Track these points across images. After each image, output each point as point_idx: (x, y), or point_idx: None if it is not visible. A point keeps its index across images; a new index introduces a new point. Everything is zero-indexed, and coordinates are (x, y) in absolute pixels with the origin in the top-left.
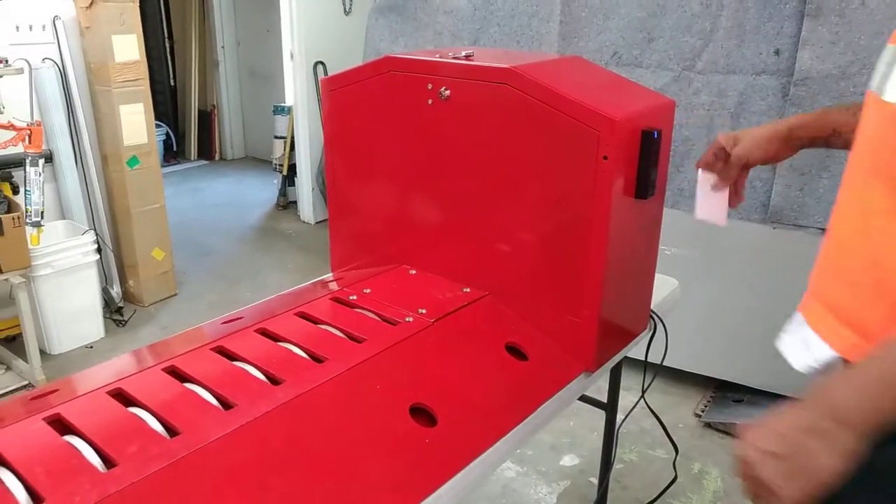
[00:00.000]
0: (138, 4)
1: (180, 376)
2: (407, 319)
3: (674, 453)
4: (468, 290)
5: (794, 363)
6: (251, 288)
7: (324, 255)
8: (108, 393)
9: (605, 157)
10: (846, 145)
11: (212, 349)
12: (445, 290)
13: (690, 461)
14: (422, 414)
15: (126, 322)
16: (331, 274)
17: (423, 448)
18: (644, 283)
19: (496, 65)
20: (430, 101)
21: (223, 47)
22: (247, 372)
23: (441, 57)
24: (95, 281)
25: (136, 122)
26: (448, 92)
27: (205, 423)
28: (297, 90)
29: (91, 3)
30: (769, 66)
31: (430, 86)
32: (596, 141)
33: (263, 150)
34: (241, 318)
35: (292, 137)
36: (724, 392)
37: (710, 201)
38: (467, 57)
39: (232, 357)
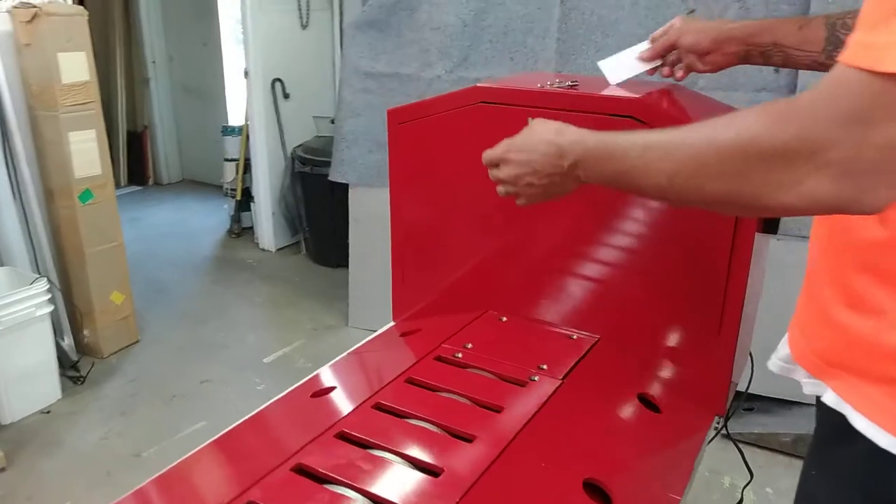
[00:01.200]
0: (87, 18)
1: (317, 477)
2: (533, 378)
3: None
4: (575, 335)
5: (769, 363)
6: (222, 327)
7: (293, 285)
8: None
9: None
10: (784, 62)
11: (335, 436)
12: (552, 338)
13: (720, 475)
14: (594, 490)
15: (84, 378)
16: (392, 323)
17: None
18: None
19: (619, 95)
20: None
21: (154, 63)
22: (394, 464)
23: (543, 86)
24: (49, 335)
25: (88, 151)
26: None
27: None
28: (253, 109)
29: (33, 17)
30: (769, 83)
31: (531, 119)
32: None
33: (204, 172)
34: (335, 388)
35: (246, 160)
36: (733, 402)
37: (623, 61)
38: (573, 86)
39: (364, 444)
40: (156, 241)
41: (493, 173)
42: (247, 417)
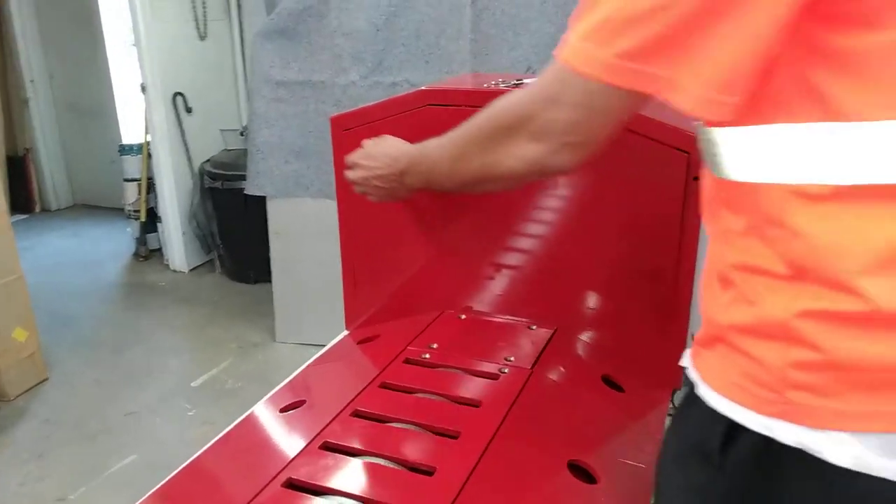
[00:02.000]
0: None
1: (311, 490)
2: (503, 371)
3: None
4: (534, 327)
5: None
6: (140, 355)
7: (211, 305)
8: None
9: (696, 178)
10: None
11: (321, 447)
12: (512, 331)
13: None
14: (578, 471)
15: None
16: (345, 332)
17: None
18: None
19: None
20: None
21: (32, 81)
22: (386, 468)
23: (491, 85)
24: None
25: None
26: None
27: None
28: (154, 125)
29: None
30: None
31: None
32: (686, 163)
33: (99, 195)
34: (304, 401)
35: (149, 179)
36: None
37: None
38: (518, 85)
39: (351, 453)
40: (53, 272)
41: (347, 174)
42: (215, 440)
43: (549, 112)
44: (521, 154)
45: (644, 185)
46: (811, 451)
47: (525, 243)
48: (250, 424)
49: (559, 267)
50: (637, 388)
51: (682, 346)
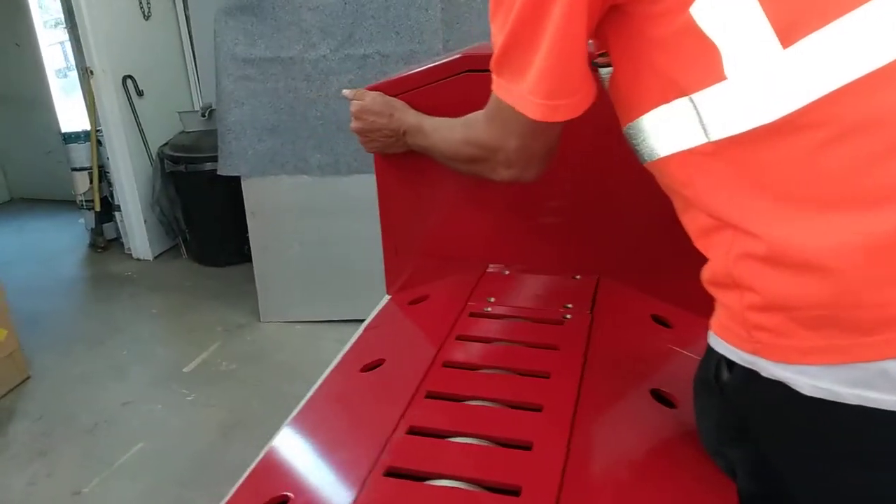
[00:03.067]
0: None
1: (433, 433)
2: (566, 317)
3: None
4: (578, 276)
5: None
6: (123, 346)
7: (185, 290)
8: None
9: None
10: None
11: (426, 397)
12: (561, 282)
13: None
14: (660, 399)
15: None
16: (387, 297)
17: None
18: None
19: None
20: None
21: None
22: (497, 409)
23: None
24: None
25: None
26: None
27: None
28: (106, 111)
29: None
30: None
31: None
32: None
33: (38, 187)
34: (383, 359)
35: (101, 167)
36: None
37: None
38: None
39: (459, 398)
40: (3, 270)
41: (352, 125)
42: (303, 406)
43: (508, 144)
44: (499, 175)
45: None
46: (788, 384)
47: (568, 197)
48: (341, 384)
49: (595, 216)
50: (681, 323)
51: None
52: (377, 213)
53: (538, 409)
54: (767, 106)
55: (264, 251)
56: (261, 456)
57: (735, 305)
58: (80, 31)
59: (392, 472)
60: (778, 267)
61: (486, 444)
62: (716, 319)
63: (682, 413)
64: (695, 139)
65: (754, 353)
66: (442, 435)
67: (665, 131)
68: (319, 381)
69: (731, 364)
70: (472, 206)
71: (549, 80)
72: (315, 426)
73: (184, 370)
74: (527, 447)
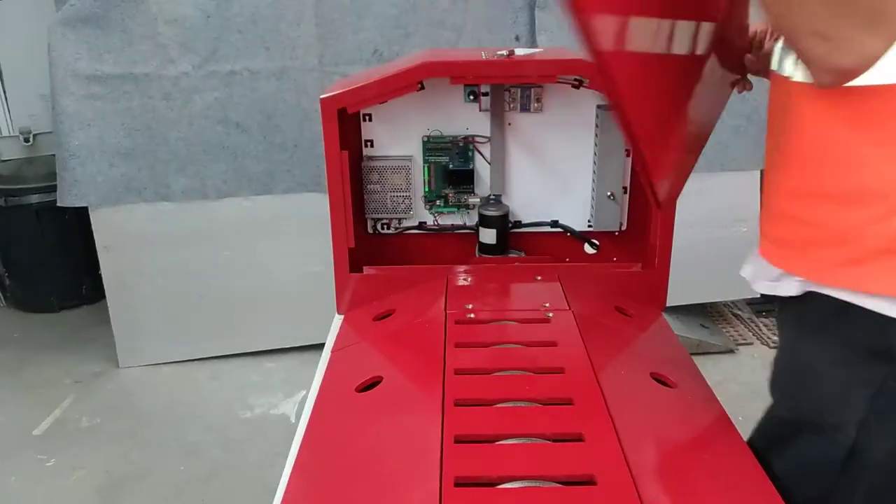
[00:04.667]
0: None
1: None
2: (549, 315)
3: None
4: (539, 278)
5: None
6: None
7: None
8: None
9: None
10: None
11: (456, 405)
12: (528, 287)
13: None
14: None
15: None
16: (340, 317)
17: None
18: None
19: (561, 58)
20: None
21: None
22: (531, 408)
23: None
24: None
25: None
26: None
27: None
28: None
29: None
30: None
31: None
32: None
33: None
34: (380, 377)
35: None
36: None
37: None
38: (511, 55)
39: (489, 403)
40: None
41: None
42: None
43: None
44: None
45: None
46: None
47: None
48: (343, 408)
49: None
50: (638, 314)
51: (666, 275)
52: (252, 238)
53: (570, 403)
54: None
55: (121, 289)
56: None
57: None
58: None
59: (462, 483)
60: None
61: (537, 441)
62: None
63: (681, 392)
64: None
65: None
66: (491, 440)
67: None
68: (305, 413)
69: None
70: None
71: None
72: (338, 455)
73: (34, 433)
74: (579, 439)
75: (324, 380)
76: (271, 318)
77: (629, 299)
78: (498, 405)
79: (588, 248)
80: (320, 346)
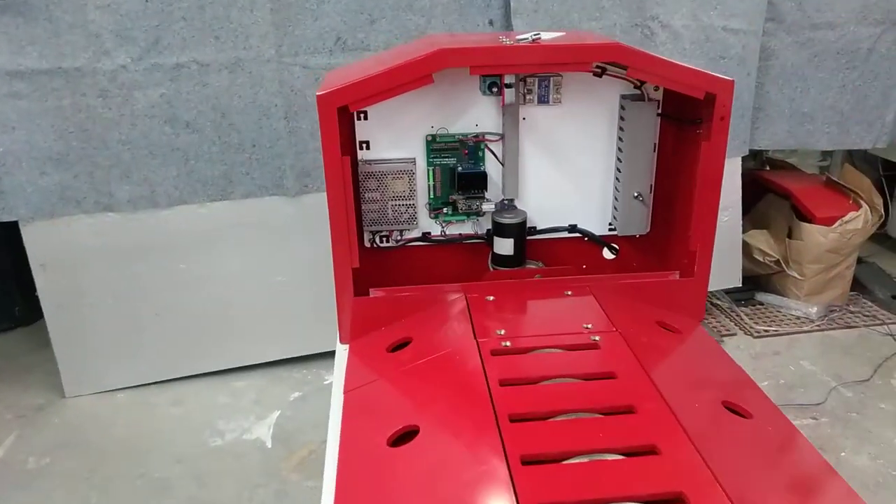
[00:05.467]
0: None
1: None
2: (594, 339)
3: None
4: (570, 292)
5: None
6: None
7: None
8: None
9: (722, 118)
10: None
11: (523, 463)
12: (560, 304)
13: None
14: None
15: None
16: (344, 347)
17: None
18: None
19: (594, 42)
20: None
21: None
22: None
23: (513, 41)
24: None
25: None
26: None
27: None
28: None
29: None
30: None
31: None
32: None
33: None
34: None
35: None
36: None
37: None
38: (536, 40)
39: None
40: None
41: None
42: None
43: None
44: None
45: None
46: None
47: None
48: (375, 465)
49: None
50: (683, 328)
51: (704, 284)
52: (210, 248)
53: (656, 452)
54: None
55: (62, 310)
56: None
57: None
58: None
59: None
60: None
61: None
62: None
63: (759, 423)
64: None
65: None
66: None
67: None
68: (327, 476)
69: None
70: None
71: None
72: None
73: None
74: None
75: (343, 430)
76: (236, 334)
77: (667, 311)
78: (572, 460)
79: (607, 254)
80: (290, 361)
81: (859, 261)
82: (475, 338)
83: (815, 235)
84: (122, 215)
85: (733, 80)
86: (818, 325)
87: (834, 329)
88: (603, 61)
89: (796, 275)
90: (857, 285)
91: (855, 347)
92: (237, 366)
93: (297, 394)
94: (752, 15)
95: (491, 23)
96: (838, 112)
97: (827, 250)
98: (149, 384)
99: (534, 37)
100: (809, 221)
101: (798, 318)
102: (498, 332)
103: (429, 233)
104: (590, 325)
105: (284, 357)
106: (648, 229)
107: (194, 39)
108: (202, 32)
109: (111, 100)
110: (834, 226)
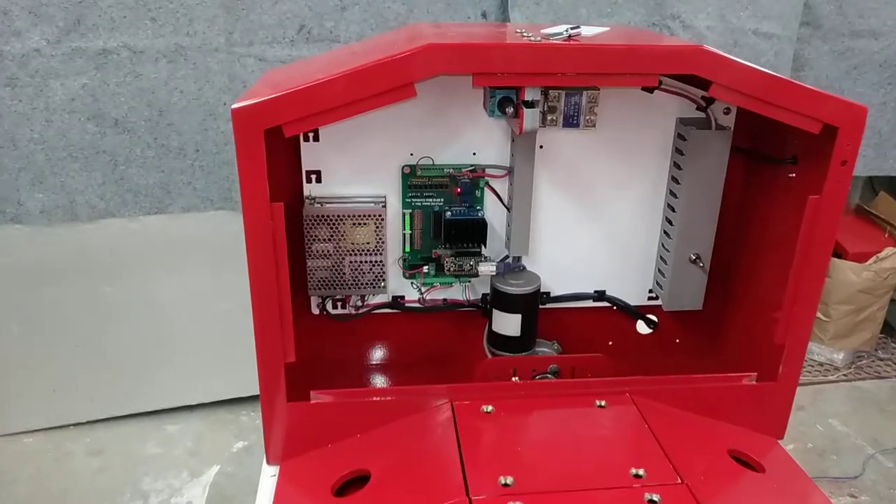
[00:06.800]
0: None
1: None
2: (652, 499)
3: None
4: (603, 402)
5: None
6: None
7: None
8: None
9: (844, 163)
10: None
11: None
12: (588, 418)
13: None
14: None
15: None
16: (273, 472)
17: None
18: None
19: (666, 45)
20: None
21: None
22: None
23: (527, 36)
24: None
25: None
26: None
27: None
28: None
29: None
30: None
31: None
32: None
33: None
34: None
35: None
36: None
37: None
38: (573, 37)
39: None
40: None
41: None
42: None
43: None
44: None
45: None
46: None
47: None
48: None
49: None
50: (762, 452)
51: (790, 392)
52: (142, 269)
53: None
54: None
55: None
56: None
57: None
58: None
59: None
60: None
61: None
62: None
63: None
64: None
65: None
66: None
67: None
68: None
69: None
70: None
71: None
72: None
73: None
74: None
75: None
76: (171, 369)
77: (738, 427)
78: None
79: (642, 327)
80: (236, 402)
81: (891, 301)
82: (467, 493)
83: (845, 273)
84: (33, 228)
85: (866, 108)
86: (845, 375)
87: (863, 379)
88: (682, 73)
89: (821, 316)
90: (886, 327)
91: (890, 403)
92: (170, 406)
93: (241, 443)
94: (787, 18)
95: (484, 15)
96: (877, 132)
97: (859, 290)
98: (63, 426)
99: (571, 31)
100: (839, 257)
101: (822, 363)
102: (502, 481)
103: (402, 297)
104: (642, 473)
105: (228, 397)
106: (702, 305)
107: (125, 20)
108: (135, 12)
109: (21, 90)
110: (868, 262)
